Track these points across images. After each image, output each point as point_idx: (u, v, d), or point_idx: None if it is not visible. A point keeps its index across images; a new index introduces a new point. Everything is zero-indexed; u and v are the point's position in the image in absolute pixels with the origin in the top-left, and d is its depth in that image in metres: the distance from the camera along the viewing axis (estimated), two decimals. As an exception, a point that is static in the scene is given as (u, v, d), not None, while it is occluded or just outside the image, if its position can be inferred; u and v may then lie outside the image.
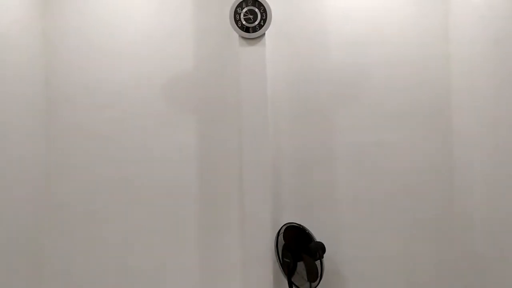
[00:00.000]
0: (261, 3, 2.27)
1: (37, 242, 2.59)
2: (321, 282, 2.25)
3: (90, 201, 2.62)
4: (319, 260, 2.26)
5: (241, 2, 2.28)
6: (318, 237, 2.36)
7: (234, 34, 2.39)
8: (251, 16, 2.27)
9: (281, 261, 2.34)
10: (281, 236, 2.34)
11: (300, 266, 2.29)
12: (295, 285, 2.33)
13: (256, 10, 2.27)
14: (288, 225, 2.36)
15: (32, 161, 2.54)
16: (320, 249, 2.29)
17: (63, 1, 2.68)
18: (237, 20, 2.28)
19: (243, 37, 2.31)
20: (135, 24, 2.65)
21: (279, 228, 2.37)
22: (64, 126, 2.65)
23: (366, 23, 2.52)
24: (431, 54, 2.46)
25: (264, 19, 2.27)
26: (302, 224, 2.37)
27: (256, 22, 2.27)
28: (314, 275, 2.24)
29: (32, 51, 2.58)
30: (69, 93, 2.66)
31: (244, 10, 2.28)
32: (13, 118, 2.40)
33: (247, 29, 2.28)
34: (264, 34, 2.29)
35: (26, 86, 2.51)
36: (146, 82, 2.63)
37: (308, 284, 2.25)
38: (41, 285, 2.61)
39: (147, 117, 2.62)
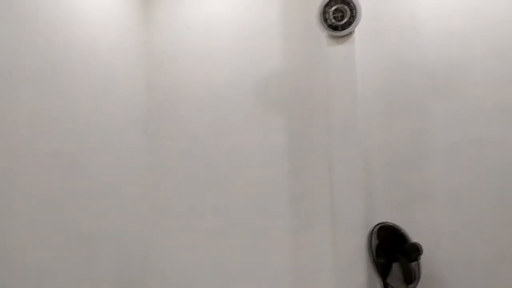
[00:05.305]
0: (350, 0, 2.24)
1: (144, 240, 2.79)
2: (418, 285, 2.17)
3: (190, 198, 2.79)
4: (416, 262, 2.18)
5: (329, 1, 2.27)
6: (414, 238, 2.28)
7: (322, 32, 2.39)
8: (339, 14, 2.25)
9: (375, 262, 2.30)
10: (374, 236, 2.30)
11: (396, 267, 2.23)
12: (391, 287, 2.27)
13: (345, 7, 2.24)
14: (382, 224, 2.30)
15: (137, 162, 2.78)
16: (415, 250, 2.20)
17: (160, 16, 2.90)
18: (325, 19, 2.28)
19: (332, 35, 2.30)
20: (225, 28, 2.77)
21: (372, 228, 2.32)
22: (164, 128, 2.87)
23: (462, 12, 2.36)
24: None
25: (353, 16, 2.24)
26: (396, 223, 2.30)
27: (345, 20, 2.24)
28: (410, 277, 2.16)
29: (134, 61, 2.82)
30: (167, 98, 2.86)
31: (333, 8, 2.26)
32: (120, 123, 2.65)
33: (336, 27, 2.26)
34: (353, 31, 2.26)
35: (131, 93, 2.76)
36: (237, 83, 2.74)
37: (404, 286, 2.19)
38: (147, 283, 2.79)
39: (239, 117, 2.73)
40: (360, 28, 2.37)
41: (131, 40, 2.79)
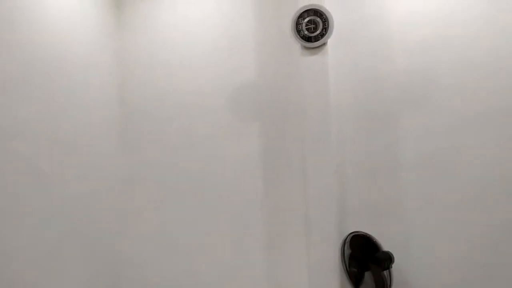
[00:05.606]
0: (322, 12, 2.27)
1: (116, 248, 2.77)
2: (390, 293, 2.20)
3: (163, 207, 2.77)
4: (387, 270, 2.21)
5: (302, 13, 2.30)
6: (386, 247, 2.31)
7: (295, 43, 2.41)
8: (312, 26, 2.28)
9: (348, 271, 2.32)
10: (347, 245, 2.32)
11: (368, 276, 2.25)
12: (363, 295, 2.29)
13: (318, 19, 2.27)
14: (354, 234, 2.33)
15: (109, 170, 2.75)
16: (387, 258, 2.23)
17: (133, 23, 2.89)
18: (298, 30, 2.30)
19: (305, 46, 2.32)
20: (199, 38, 2.77)
21: (345, 237, 2.34)
22: (137, 137, 2.84)
23: (432, 27, 2.42)
24: (506, 54, 2.31)
25: (325, 28, 2.27)
26: (368, 233, 2.33)
27: (318, 31, 2.28)
28: (382, 285, 2.19)
29: (107, 68, 2.80)
30: (141, 106, 2.84)
31: (306, 20, 2.29)
32: (92, 130, 2.62)
33: (308, 39, 2.29)
34: (326, 42, 2.29)
35: (102, 101, 2.73)
36: (212, 92, 2.74)
37: (376, 294, 2.21)
38: None
39: (212, 127, 2.73)
40: (333, 40, 2.41)
41: (103, 46, 2.76)
